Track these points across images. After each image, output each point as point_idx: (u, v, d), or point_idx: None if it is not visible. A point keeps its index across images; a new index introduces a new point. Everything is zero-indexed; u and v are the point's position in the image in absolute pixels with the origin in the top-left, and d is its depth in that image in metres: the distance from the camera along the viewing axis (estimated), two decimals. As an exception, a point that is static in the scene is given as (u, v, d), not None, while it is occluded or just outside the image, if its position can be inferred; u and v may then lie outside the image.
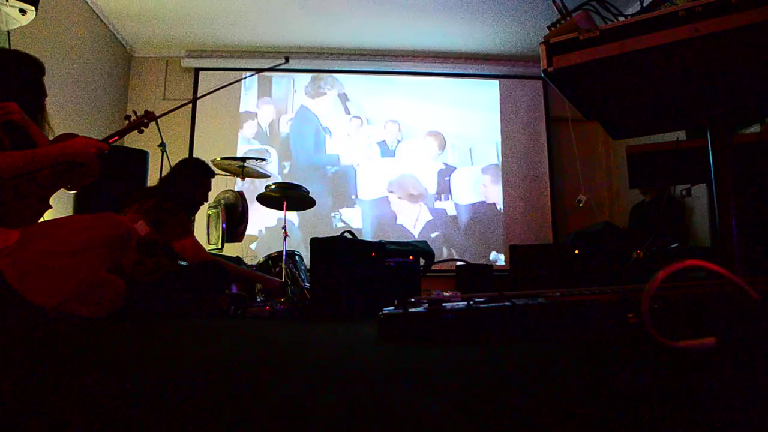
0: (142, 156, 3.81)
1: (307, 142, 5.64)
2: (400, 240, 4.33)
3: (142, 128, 2.12)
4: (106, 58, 5.16)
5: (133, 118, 2.10)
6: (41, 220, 1.90)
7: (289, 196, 3.56)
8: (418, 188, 5.57)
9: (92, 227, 1.81)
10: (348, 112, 5.72)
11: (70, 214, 3.60)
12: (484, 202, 5.64)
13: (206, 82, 5.66)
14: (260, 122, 5.66)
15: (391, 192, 5.55)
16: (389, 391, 0.63)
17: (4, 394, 0.59)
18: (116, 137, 2.00)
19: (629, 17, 1.20)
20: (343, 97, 5.75)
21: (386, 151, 5.64)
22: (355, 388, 0.66)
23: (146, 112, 2.14)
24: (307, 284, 3.31)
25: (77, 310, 1.84)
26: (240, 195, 3.77)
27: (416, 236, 5.39)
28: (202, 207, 2.83)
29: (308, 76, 5.73)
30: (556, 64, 1.25)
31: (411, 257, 3.08)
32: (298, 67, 5.69)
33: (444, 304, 1.22)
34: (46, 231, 1.77)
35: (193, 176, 2.71)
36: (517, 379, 0.72)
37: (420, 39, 5.49)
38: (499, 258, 5.49)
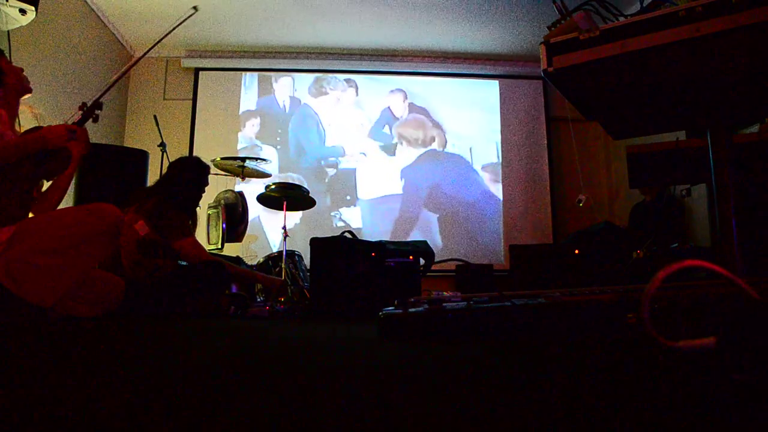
0: (142, 156, 3.81)
1: (307, 142, 5.63)
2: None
3: (93, 118, 2.05)
4: (106, 58, 5.15)
5: (86, 109, 2.03)
6: (30, 215, 1.87)
7: (289, 196, 3.56)
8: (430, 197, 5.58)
9: (82, 221, 1.78)
10: (348, 112, 5.71)
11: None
12: (484, 202, 5.64)
13: (206, 81, 5.66)
14: (261, 120, 5.67)
15: (398, 192, 5.54)
16: (389, 391, 0.63)
17: (4, 394, 0.59)
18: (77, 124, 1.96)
19: (629, 17, 1.20)
20: (344, 97, 5.74)
21: (387, 150, 5.64)
22: (355, 388, 0.66)
23: (94, 101, 2.06)
24: (307, 284, 3.31)
25: (76, 309, 1.84)
26: (240, 195, 3.77)
27: (416, 236, 5.39)
28: (202, 207, 2.83)
29: (310, 75, 5.73)
30: (556, 64, 1.25)
31: (411, 257, 3.08)
32: (298, 67, 5.70)
33: (444, 304, 1.21)
34: (36, 228, 1.74)
35: (191, 174, 2.71)
36: (517, 379, 0.72)
37: (420, 39, 5.49)
38: (499, 258, 5.49)
